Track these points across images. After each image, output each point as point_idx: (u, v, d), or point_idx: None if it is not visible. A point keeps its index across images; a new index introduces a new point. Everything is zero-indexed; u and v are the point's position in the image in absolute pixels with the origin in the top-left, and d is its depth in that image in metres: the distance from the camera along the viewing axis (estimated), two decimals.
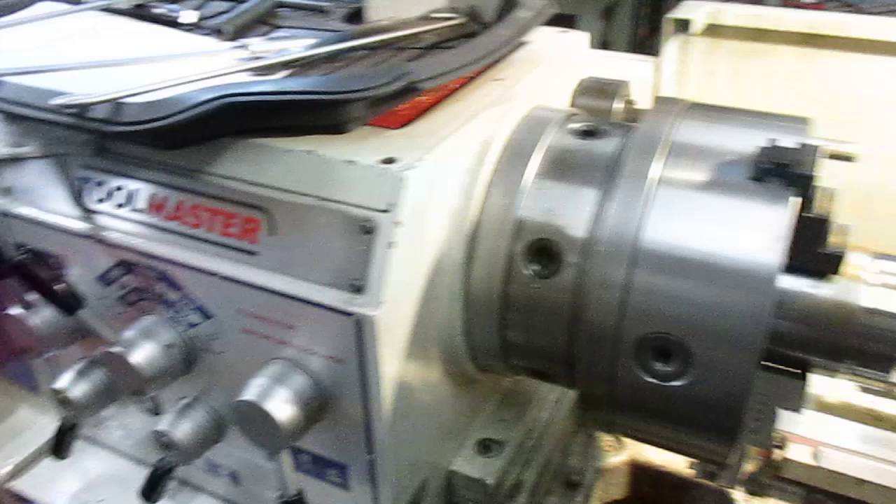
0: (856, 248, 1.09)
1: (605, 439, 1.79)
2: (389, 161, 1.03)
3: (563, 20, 1.61)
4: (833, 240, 1.04)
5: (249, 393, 1.07)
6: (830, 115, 2.24)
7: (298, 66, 1.28)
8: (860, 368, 1.08)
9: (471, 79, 1.34)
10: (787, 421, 1.73)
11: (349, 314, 1.02)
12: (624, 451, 1.75)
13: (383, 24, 1.49)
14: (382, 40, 1.43)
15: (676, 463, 1.74)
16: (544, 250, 1.11)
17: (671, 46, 2.23)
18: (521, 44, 1.53)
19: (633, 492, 1.76)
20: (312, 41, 1.37)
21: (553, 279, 1.10)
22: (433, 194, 1.08)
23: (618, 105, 1.57)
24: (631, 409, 1.08)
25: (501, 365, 1.26)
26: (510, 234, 1.12)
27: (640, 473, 1.73)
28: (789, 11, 2.50)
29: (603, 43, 5.41)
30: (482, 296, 1.15)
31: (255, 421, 1.07)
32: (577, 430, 1.76)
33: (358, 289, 1.02)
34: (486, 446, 1.41)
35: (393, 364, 1.07)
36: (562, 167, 1.14)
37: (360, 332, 1.03)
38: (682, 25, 2.21)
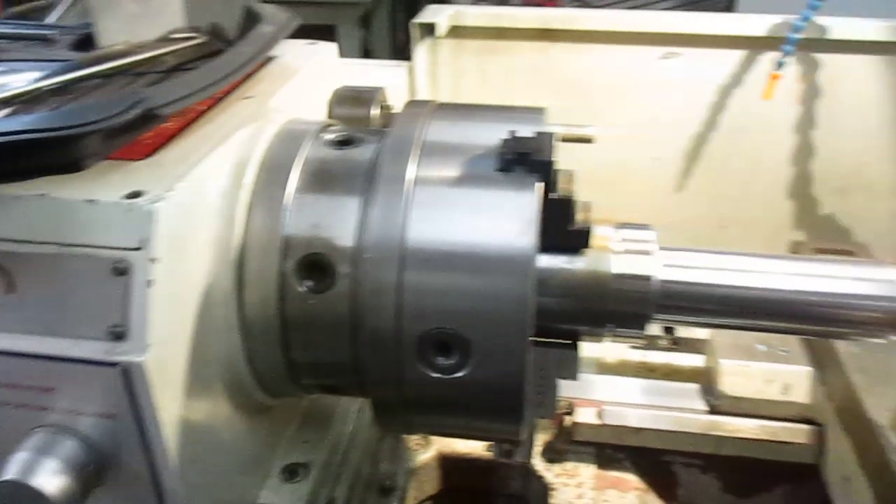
0: (601, 222, 1.19)
1: (412, 439, 1.81)
2: (136, 195, 0.96)
3: (321, 31, 1.61)
4: (580, 217, 1.12)
5: (11, 471, 0.95)
6: (568, 103, 2.46)
7: (22, 102, 1.17)
8: (620, 329, 1.18)
9: (219, 99, 1.29)
10: (573, 387, 1.87)
11: (113, 364, 0.94)
12: (431, 447, 1.80)
13: (118, 50, 1.40)
14: (117, 66, 1.34)
15: (480, 449, 1.81)
16: (316, 265, 1.09)
17: (421, 50, 2.31)
18: (270, 59, 1.51)
19: (445, 484, 1.80)
20: (38, 74, 1.25)
21: (329, 292, 1.09)
22: (190, 224, 1.02)
23: (375, 112, 1.60)
24: (423, 407, 1.10)
25: (293, 387, 1.23)
26: (279, 254, 1.09)
27: (449, 466, 1.78)
28: (526, 10, 2.68)
29: (365, 51, 5.50)
30: (259, 320, 1.12)
31: (23, 500, 0.95)
32: (383, 436, 1.77)
33: (119, 335, 0.95)
34: (291, 472, 1.37)
35: (172, 409, 1.01)
36: (322, 179, 1.13)
37: (128, 382, 0.95)
38: (430, 29, 2.30)
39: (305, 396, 1.41)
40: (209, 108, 1.25)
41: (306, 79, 1.46)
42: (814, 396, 1.83)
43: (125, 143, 1.08)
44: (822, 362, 1.83)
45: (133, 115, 1.00)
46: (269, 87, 1.34)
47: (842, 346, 1.75)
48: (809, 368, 1.84)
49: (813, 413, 1.84)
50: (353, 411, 1.64)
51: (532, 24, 2.35)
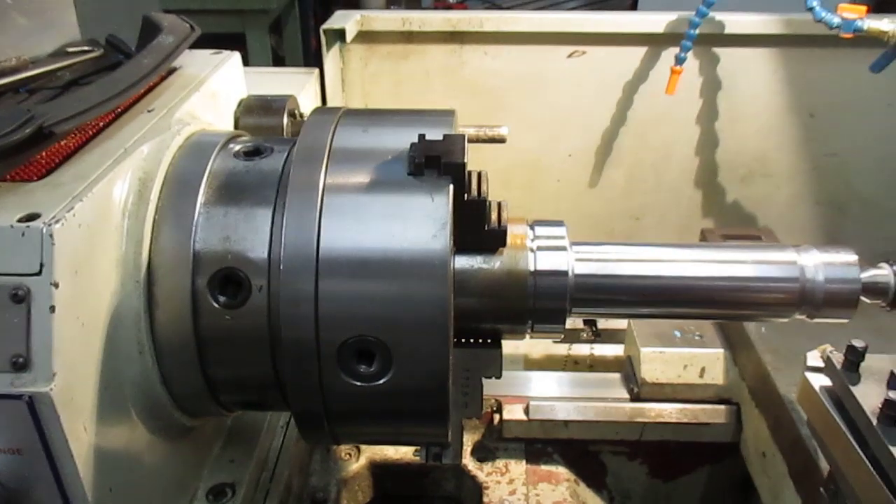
0: (517, 220, 1.21)
1: (343, 449, 1.80)
2: (31, 217, 0.92)
3: (231, 39, 1.57)
4: (494, 216, 1.13)
5: None
6: (481, 104, 2.48)
7: None
8: (540, 325, 1.20)
9: (119, 114, 1.25)
10: (500, 385, 1.89)
11: (17, 397, 0.90)
12: (362, 456, 1.78)
13: (8, 66, 1.34)
14: (8, 83, 1.28)
15: (412, 454, 1.80)
16: (230, 279, 1.07)
17: (332, 56, 2.29)
18: (172, 70, 1.47)
19: (378, 492, 1.79)
20: None
21: (244, 307, 1.06)
22: (92, 245, 0.98)
23: (285, 120, 1.58)
24: (348, 417, 1.09)
25: (213, 406, 1.19)
26: (190, 270, 1.06)
27: (381, 473, 1.76)
28: (433, 13, 2.70)
29: (277, 58, 5.42)
30: (174, 340, 1.08)
31: None
32: (312, 448, 1.75)
33: (22, 366, 0.90)
34: (218, 493, 1.34)
35: (84, 440, 0.97)
36: (231, 191, 1.11)
37: (34, 413, 0.91)
38: (339, 35, 2.28)
39: (228, 414, 1.38)
40: (108, 123, 1.21)
41: (211, 89, 1.43)
42: (728, 377, 1.90)
43: (19, 163, 1.04)
44: (735, 344, 1.90)
45: (25, 134, 0.95)
46: (172, 99, 1.30)
47: (752, 328, 1.83)
48: (723, 350, 1.91)
49: (729, 393, 1.91)
50: (281, 426, 1.62)
51: (441, 26, 2.36)
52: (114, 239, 1.04)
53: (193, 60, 1.50)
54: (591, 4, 5.59)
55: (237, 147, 1.19)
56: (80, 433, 0.96)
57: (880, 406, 1.12)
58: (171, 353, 1.10)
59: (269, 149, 1.17)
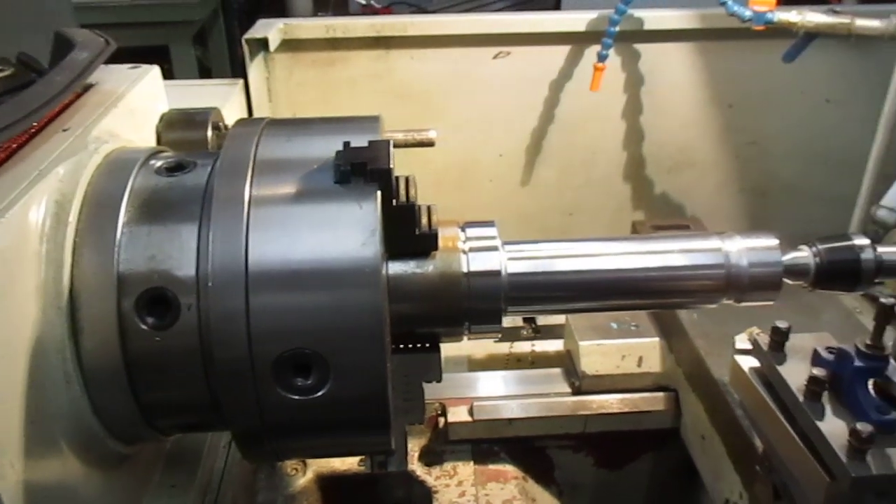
0: (448, 223, 1.21)
1: (289, 464, 1.77)
2: None
3: (154, 52, 1.53)
4: (424, 220, 1.13)
5: None
6: (410, 108, 2.49)
7: None
8: (477, 326, 1.21)
9: (32, 134, 1.20)
10: (444, 388, 1.89)
11: None
12: (309, 470, 1.76)
13: None
14: None
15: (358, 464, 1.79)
16: (158, 299, 1.04)
17: (256, 66, 2.26)
18: (88, 86, 1.42)
19: None
20: None
21: (175, 326, 1.04)
22: (8, 273, 0.94)
23: (210, 133, 1.55)
24: (289, 432, 1.07)
25: (149, 431, 1.16)
26: (115, 293, 1.03)
27: (329, 485, 1.74)
28: (357, 19, 2.69)
29: (204, 70, 5.30)
30: (102, 366, 1.05)
31: None
32: (257, 467, 1.72)
33: None
34: None
35: (11, 478, 0.92)
36: (154, 209, 1.08)
37: None
38: (263, 44, 2.25)
39: (166, 439, 1.34)
40: (21, 145, 1.16)
41: (130, 105, 1.39)
42: (665, 365, 1.95)
43: None
44: (669, 332, 1.95)
45: None
46: (88, 117, 1.26)
47: (684, 315, 1.88)
48: (658, 339, 1.96)
49: (667, 380, 1.96)
50: (223, 445, 1.58)
51: (366, 32, 2.36)
52: (32, 265, 1.00)
53: (110, 76, 1.46)
54: (516, 5, 5.65)
55: (159, 163, 1.16)
56: (7, 471, 0.92)
57: (805, 383, 1.16)
58: (101, 380, 1.06)
59: (192, 163, 1.15)
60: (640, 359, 1.94)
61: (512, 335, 2.24)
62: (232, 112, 1.86)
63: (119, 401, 1.09)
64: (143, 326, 1.04)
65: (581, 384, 1.94)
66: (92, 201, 1.08)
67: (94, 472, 1.15)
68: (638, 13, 2.41)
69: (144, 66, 1.52)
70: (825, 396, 1.16)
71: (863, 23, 2.14)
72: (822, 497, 1.12)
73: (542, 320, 2.27)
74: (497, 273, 1.16)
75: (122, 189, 1.09)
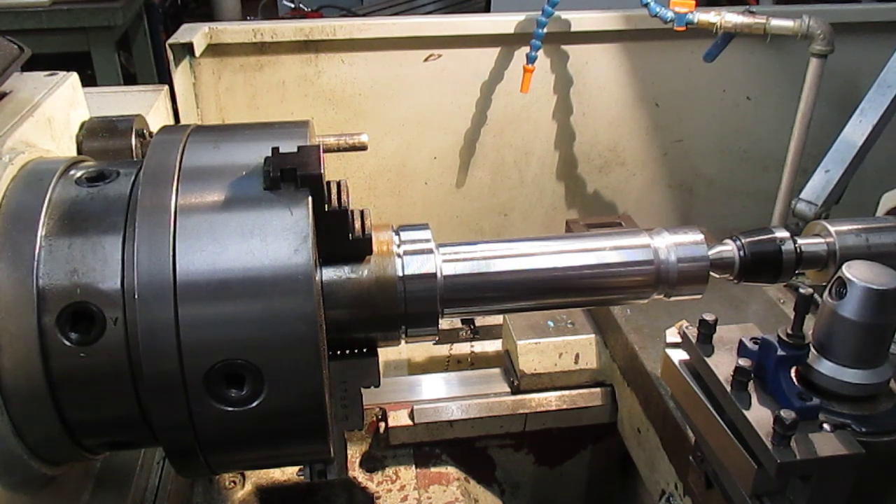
0: (382, 227, 1.21)
1: (226, 477, 1.73)
2: None
3: (75, 58, 1.47)
4: (357, 225, 1.13)
5: None
6: (341, 112, 2.47)
7: None
8: (414, 329, 1.20)
9: None
10: (383, 393, 1.88)
11: None
12: (248, 482, 1.72)
13: None
14: None
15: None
16: (81, 314, 1.00)
17: (181, 72, 2.20)
18: (1, 95, 1.36)
19: None
20: None
21: (100, 341, 1.00)
22: None
23: (133, 141, 1.50)
24: (223, 444, 1.05)
25: (75, 451, 1.12)
26: (34, 309, 0.98)
27: (269, 497, 1.71)
28: (286, 22, 2.65)
29: (128, 76, 5.14)
30: (22, 385, 1.00)
31: None
32: (193, 481, 1.68)
33: None
34: None
35: None
36: (75, 221, 1.04)
37: None
38: (188, 49, 2.19)
39: (95, 458, 1.30)
40: None
41: (47, 113, 1.34)
42: (601, 361, 1.99)
43: None
44: (604, 328, 1.99)
45: None
46: (2, 126, 1.21)
47: (617, 311, 1.92)
48: (594, 335, 1.99)
49: (603, 376, 1.99)
50: (157, 461, 1.54)
51: (294, 36, 2.33)
52: None
53: (25, 84, 1.40)
54: (447, 7, 5.67)
55: (79, 173, 1.11)
56: None
57: (732, 373, 1.20)
58: (22, 400, 1.01)
59: (114, 173, 1.11)
60: (577, 356, 1.97)
61: (451, 337, 2.25)
62: (157, 119, 1.81)
63: (42, 421, 1.04)
64: (67, 342, 1.00)
65: (520, 383, 1.95)
66: (8, 215, 1.03)
67: (18, 496, 1.10)
68: (565, 15, 2.45)
69: (62, 73, 1.46)
70: (751, 385, 1.20)
71: (777, 23, 2.23)
72: (751, 484, 1.15)
73: (481, 321, 2.28)
74: (432, 276, 1.16)
75: (39, 201, 1.05)
